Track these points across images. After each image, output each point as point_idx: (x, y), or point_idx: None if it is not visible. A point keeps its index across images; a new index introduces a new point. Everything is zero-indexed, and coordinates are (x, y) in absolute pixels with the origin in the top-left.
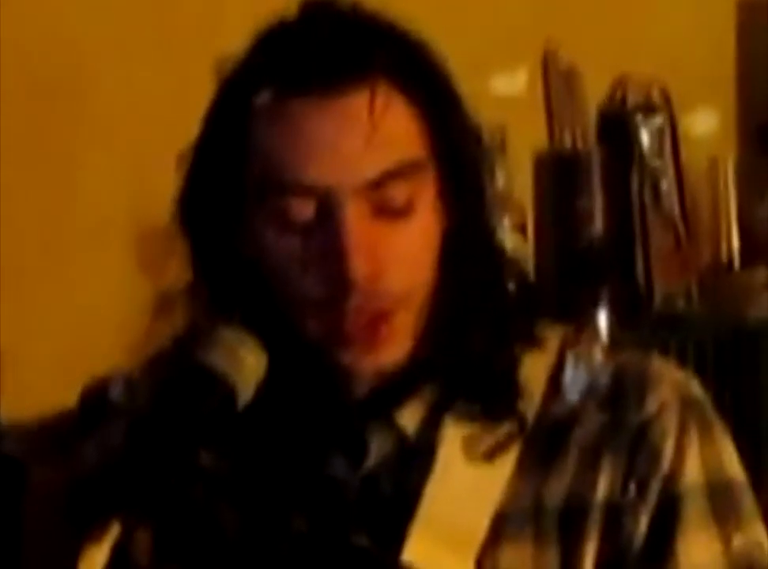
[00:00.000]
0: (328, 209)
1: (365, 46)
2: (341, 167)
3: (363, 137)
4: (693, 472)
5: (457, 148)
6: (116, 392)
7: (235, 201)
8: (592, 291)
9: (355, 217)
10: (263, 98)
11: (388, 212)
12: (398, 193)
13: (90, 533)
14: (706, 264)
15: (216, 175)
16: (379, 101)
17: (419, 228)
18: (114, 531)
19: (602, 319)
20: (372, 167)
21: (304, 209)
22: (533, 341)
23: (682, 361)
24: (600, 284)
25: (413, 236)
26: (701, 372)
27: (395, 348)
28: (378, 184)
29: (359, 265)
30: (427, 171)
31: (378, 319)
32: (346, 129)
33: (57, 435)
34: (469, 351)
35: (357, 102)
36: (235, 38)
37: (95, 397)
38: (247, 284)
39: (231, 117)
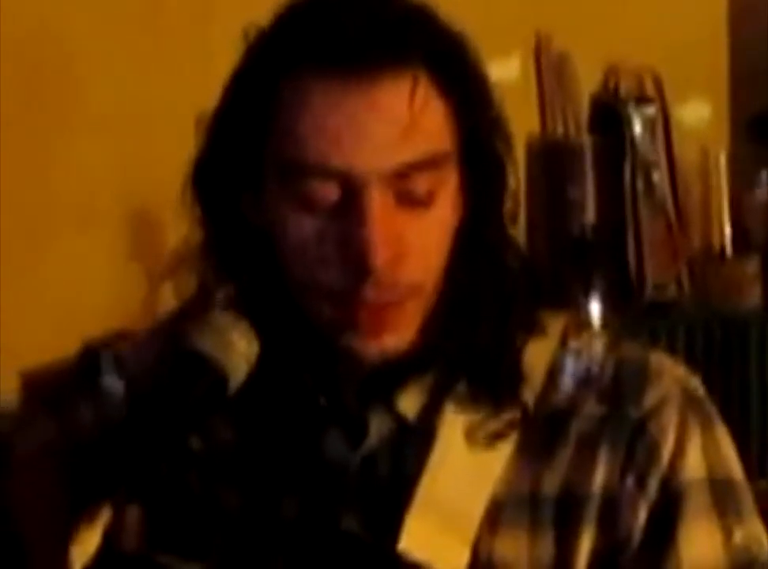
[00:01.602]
0: (353, 194)
1: (406, 34)
2: (371, 154)
3: (399, 128)
4: (694, 467)
5: (484, 144)
6: (107, 367)
7: (253, 173)
8: (584, 278)
9: (379, 204)
10: (296, 77)
11: (409, 201)
12: (421, 183)
13: (81, 516)
14: (698, 253)
15: (236, 145)
16: (419, 94)
17: (437, 219)
18: (105, 515)
19: (594, 306)
20: (402, 157)
21: (328, 193)
22: (536, 330)
23: (671, 348)
24: (592, 271)
25: (431, 227)
26: (690, 359)
27: (400, 334)
28: (404, 174)
29: (381, 253)
30: (451, 164)
31: (388, 307)
32: (382, 118)
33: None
34: (475, 338)
35: (396, 92)
36: (222, 31)
37: (91, 360)
38: (256, 256)
39: (259, 91)
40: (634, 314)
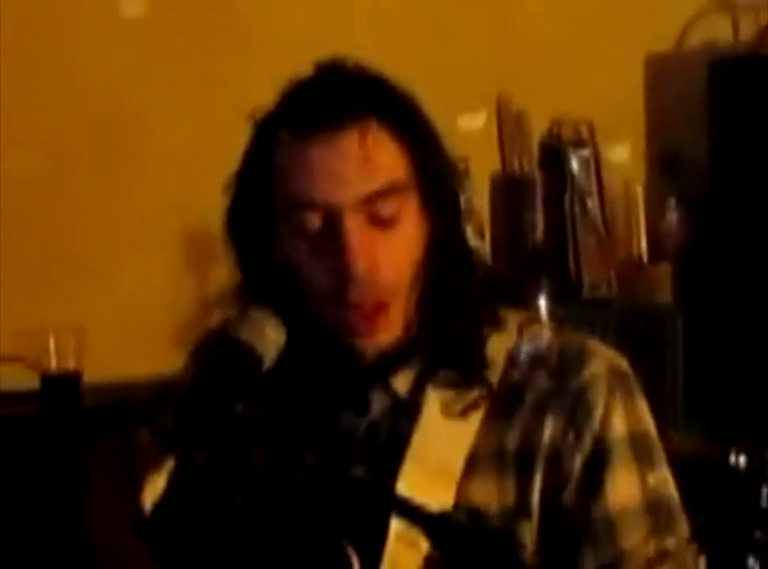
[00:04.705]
0: (332, 220)
1: (360, 96)
2: (340, 188)
3: (356, 165)
4: (619, 426)
5: (435, 173)
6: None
7: (266, 217)
8: (535, 281)
9: (353, 225)
10: (283, 137)
11: (379, 222)
12: (386, 207)
13: (150, 466)
14: (622, 261)
15: (251, 197)
16: (369, 138)
17: (404, 234)
18: (169, 464)
19: (543, 304)
20: (363, 187)
21: (315, 221)
22: (497, 324)
23: (603, 336)
24: (541, 276)
25: (400, 241)
26: (618, 345)
27: (390, 333)
28: (369, 200)
29: (358, 261)
30: (409, 191)
31: (376, 312)
32: (343, 159)
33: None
34: (448, 332)
35: (351, 138)
36: (258, 93)
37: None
38: (278, 284)
39: (261, 152)
40: (574, 310)
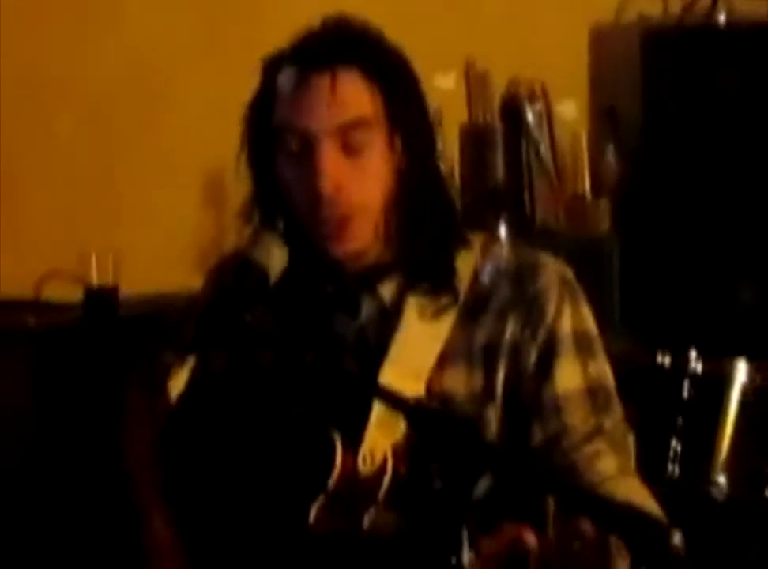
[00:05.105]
0: (309, 145)
1: (344, 46)
2: (314, 118)
3: (327, 100)
4: (566, 324)
5: (408, 115)
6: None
7: (269, 140)
8: (496, 214)
9: (325, 151)
10: (283, 71)
11: (350, 150)
12: (354, 137)
13: (174, 362)
14: (569, 197)
15: (258, 126)
16: (342, 80)
17: (371, 163)
18: (190, 361)
19: (503, 232)
20: (335, 119)
21: (295, 145)
22: (464, 243)
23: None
24: (501, 210)
25: (366, 168)
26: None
27: (356, 241)
28: (340, 130)
29: (325, 182)
30: (378, 126)
31: (342, 224)
32: (318, 94)
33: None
34: (423, 249)
35: (325, 79)
36: (271, 42)
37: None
38: (280, 204)
39: (266, 86)
40: (528, 239)
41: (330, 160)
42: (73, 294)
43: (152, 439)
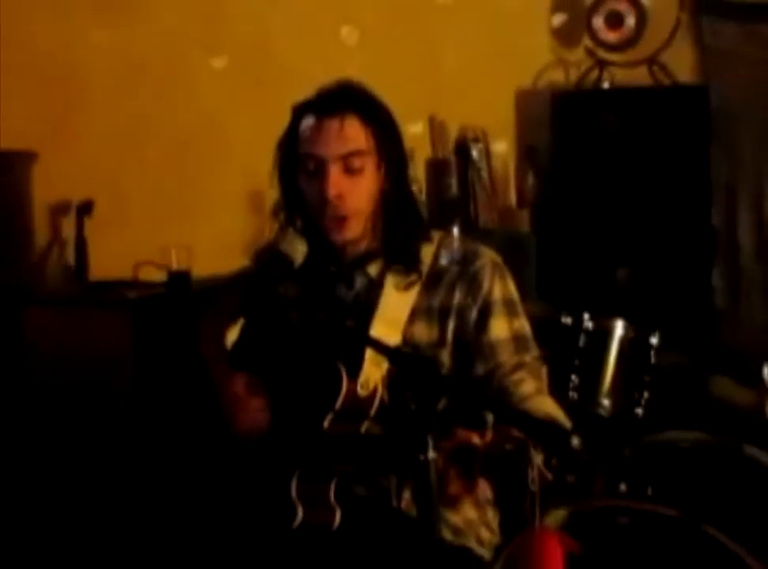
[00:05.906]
0: (322, 166)
1: (348, 100)
2: (326, 148)
3: (336, 136)
4: (497, 294)
5: (391, 149)
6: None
7: (293, 164)
8: (451, 218)
9: (333, 171)
10: (304, 118)
11: (350, 171)
12: (353, 163)
13: (230, 322)
14: (501, 207)
15: (286, 153)
16: (346, 123)
17: (365, 181)
18: (240, 321)
19: (455, 231)
20: (340, 150)
21: (313, 166)
22: (428, 238)
23: (490, 248)
24: (455, 216)
25: (360, 184)
26: (498, 254)
27: (351, 233)
28: (344, 158)
29: (331, 191)
30: (370, 155)
31: (342, 221)
32: (330, 133)
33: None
34: (398, 242)
35: (339, 123)
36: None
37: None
38: (302, 208)
39: (293, 127)
40: (473, 236)
41: (336, 177)
42: (159, 276)
43: (219, 351)
